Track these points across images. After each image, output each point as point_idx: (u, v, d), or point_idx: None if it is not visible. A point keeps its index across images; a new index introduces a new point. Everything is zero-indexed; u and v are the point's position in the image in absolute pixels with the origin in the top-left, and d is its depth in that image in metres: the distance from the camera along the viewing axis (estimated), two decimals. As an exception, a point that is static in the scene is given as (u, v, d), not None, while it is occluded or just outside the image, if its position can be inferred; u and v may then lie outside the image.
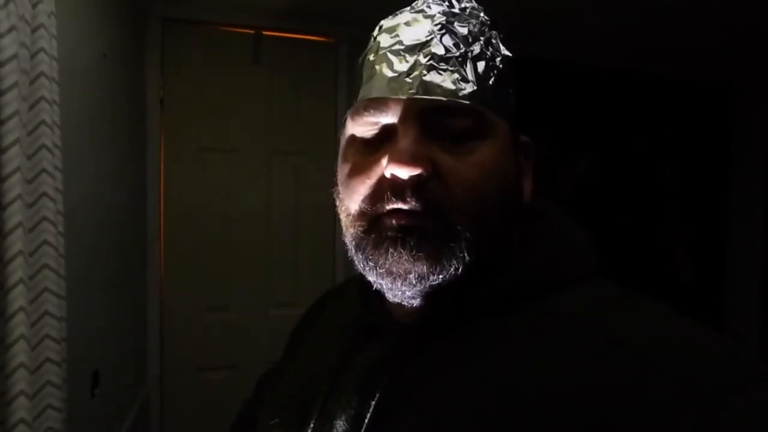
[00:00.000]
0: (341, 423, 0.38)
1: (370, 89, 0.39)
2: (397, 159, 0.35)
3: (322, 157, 2.04)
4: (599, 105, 2.40)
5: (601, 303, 0.36)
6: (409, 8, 0.41)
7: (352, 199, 0.39)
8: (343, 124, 0.44)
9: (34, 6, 0.80)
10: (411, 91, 0.36)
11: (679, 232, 2.54)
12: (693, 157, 2.56)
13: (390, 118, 0.38)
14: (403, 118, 0.37)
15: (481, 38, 0.39)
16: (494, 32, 0.42)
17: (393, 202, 0.36)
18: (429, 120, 0.37)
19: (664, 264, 2.52)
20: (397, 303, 0.40)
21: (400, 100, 0.37)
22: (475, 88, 0.37)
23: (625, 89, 2.43)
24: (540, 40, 2.11)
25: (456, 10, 0.40)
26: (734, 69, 2.49)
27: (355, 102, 0.41)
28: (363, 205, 0.38)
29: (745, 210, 2.62)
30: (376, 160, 0.38)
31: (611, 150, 2.43)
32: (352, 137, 0.41)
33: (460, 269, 0.36)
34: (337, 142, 0.45)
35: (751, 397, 0.28)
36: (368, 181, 0.38)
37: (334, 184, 0.43)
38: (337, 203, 0.42)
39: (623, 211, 2.42)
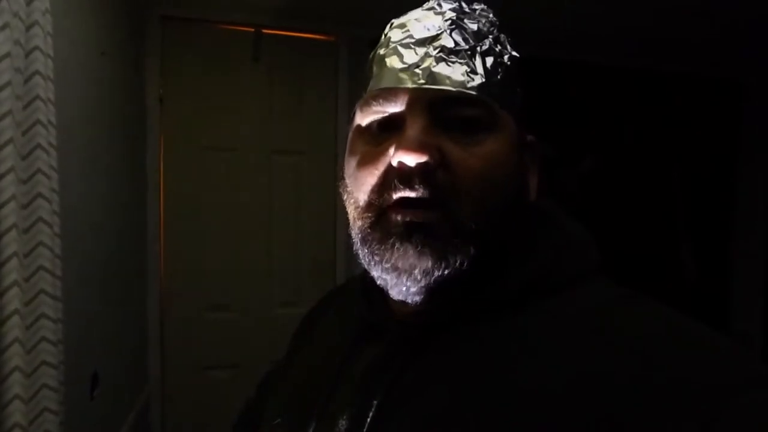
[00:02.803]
0: (343, 422, 0.38)
1: (380, 80, 0.39)
2: (405, 147, 0.35)
3: (322, 156, 2.03)
4: (604, 103, 2.38)
5: (603, 303, 0.36)
6: (420, 7, 0.42)
7: (360, 190, 0.39)
8: (351, 118, 0.44)
9: (28, 3, 0.79)
10: (420, 82, 0.37)
11: (685, 232, 2.52)
12: (699, 156, 2.53)
13: (399, 107, 0.38)
14: (411, 108, 0.37)
15: (490, 36, 0.40)
16: (503, 34, 0.42)
17: (400, 190, 0.36)
18: (437, 110, 0.37)
19: (669, 264, 2.50)
20: (400, 302, 0.40)
21: (409, 90, 0.37)
22: (484, 80, 0.37)
23: (631, 87, 2.41)
24: (543, 38, 2.09)
25: (467, 9, 0.41)
26: (742, 66, 2.47)
27: (364, 94, 0.41)
28: (371, 196, 0.38)
29: (750, 209, 2.60)
30: (384, 150, 0.38)
31: (616, 149, 2.41)
32: (361, 129, 0.41)
33: (465, 263, 0.36)
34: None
35: (751, 399, 0.28)
36: (376, 171, 0.38)
37: (341, 178, 0.43)
38: (345, 197, 0.42)
39: (628, 210, 2.40)
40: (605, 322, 0.34)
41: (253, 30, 1.92)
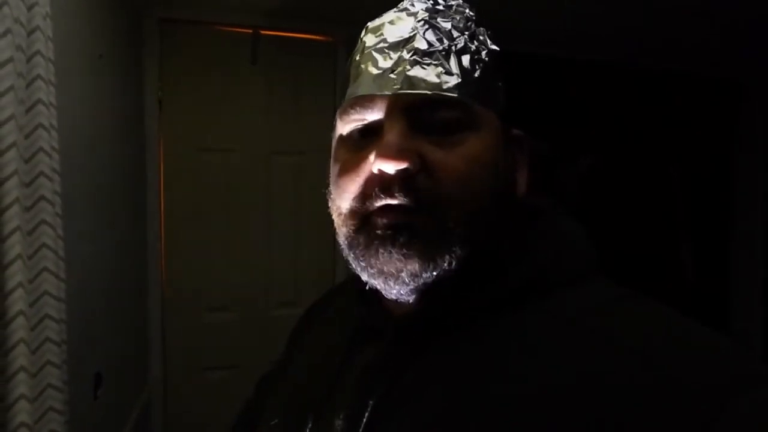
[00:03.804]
0: (339, 422, 0.38)
1: (357, 88, 0.39)
2: (384, 154, 0.35)
3: (321, 156, 2.02)
4: (604, 103, 2.37)
5: (603, 303, 0.36)
6: (394, 9, 0.41)
7: (342, 198, 0.39)
8: (333, 126, 0.44)
9: (29, 9, 0.80)
10: (396, 87, 0.36)
11: (684, 232, 2.52)
12: (698, 156, 2.53)
13: (376, 114, 0.38)
14: (389, 114, 0.37)
15: (466, 32, 0.39)
16: (481, 28, 0.41)
17: (381, 199, 0.36)
18: (415, 114, 0.37)
19: (668, 263, 2.50)
20: (396, 302, 0.40)
21: (385, 96, 0.37)
22: (460, 80, 0.37)
23: (631, 87, 2.41)
24: (543, 38, 2.09)
25: (440, 7, 0.40)
26: (741, 66, 2.46)
27: (343, 102, 0.41)
28: (353, 204, 0.38)
29: (749, 209, 2.60)
30: (365, 158, 0.38)
31: (616, 149, 2.41)
32: (341, 137, 0.41)
33: (453, 264, 0.36)
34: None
35: (750, 398, 0.28)
36: (357, 178, 0.38)
37: (327, 186, 0.44)
38: (330, 204, 0.42)
39: (628, 210, 2.40)
40: (605, 322, 0.34)
41: (251, 31, 1.92)
